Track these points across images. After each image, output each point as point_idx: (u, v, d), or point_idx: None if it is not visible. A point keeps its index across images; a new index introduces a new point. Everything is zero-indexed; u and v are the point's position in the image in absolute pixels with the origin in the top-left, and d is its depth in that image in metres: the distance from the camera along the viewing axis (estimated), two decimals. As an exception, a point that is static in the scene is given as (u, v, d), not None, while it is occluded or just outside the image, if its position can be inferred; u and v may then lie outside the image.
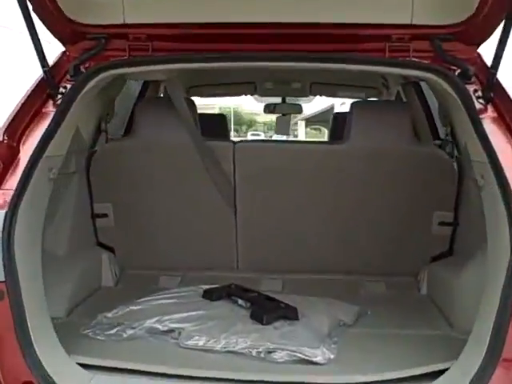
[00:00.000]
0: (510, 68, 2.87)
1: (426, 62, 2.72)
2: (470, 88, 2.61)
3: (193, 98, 4.39)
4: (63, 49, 2.91)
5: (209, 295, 3.11)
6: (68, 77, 2.78)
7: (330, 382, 2.35)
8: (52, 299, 2.54)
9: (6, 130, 2.48)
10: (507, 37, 2.42)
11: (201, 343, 2.61)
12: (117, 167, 3.44)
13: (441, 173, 3.30)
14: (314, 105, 17.11)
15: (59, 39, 2.85)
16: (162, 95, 4.90)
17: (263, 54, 2.76)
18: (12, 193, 2.29)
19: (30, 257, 2.35)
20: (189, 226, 3.56)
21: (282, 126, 5.90)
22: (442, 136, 3.75)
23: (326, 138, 11.87)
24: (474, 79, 2.68)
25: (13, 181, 2.35)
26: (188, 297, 3.11)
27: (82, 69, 2.79)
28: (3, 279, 2.21)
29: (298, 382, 2.31)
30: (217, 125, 4.78)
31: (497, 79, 2.58)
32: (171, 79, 3.32)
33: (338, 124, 4.77)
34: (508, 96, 2.56)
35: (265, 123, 37.60)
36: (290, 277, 3.51)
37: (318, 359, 2.47)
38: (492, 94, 2.59)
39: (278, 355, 2.51)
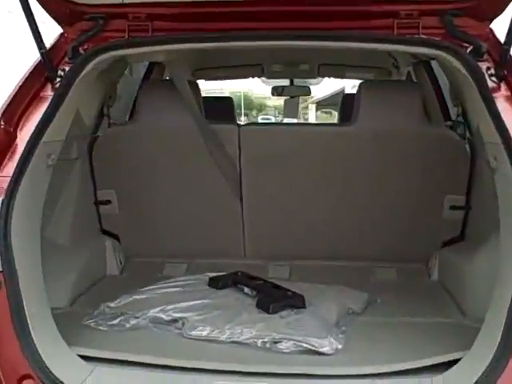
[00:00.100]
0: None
1: (436, 38, 2.61)
2: (482, 65, 2.49)
3: (201, 81, 4.30)
4: (59, 29, 2.82)
5: (215, 283, 3.06)
6: (67, 59, 2.70)
7: (336, 373, 2.28)
8: (54, 289, 2.50)
9: (2, 114, 2.44)
10: (522, 11, 2.32)
11: (205, 333, 2.56)
12: (120, 152, 3.38)
13: (452, 155, 3.20)
14: (325, 88, 16.93)
15: (55, 19, 2.76)
16: (167, 78, 4.81)
17: (264, 33, 2.66)
18: (9, 179, 2.23)
19: (28, 245, 2.30)
20: (194, 213, 3.49)
21: (291, 109, 5.84)
22: (453, 117, 3.65)
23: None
24: (486, 56, 2.56)
25: (10, 167, 2.30)
26: (193, 285, 3.07)
27: (81, 50, 2.70)
28: (0, 268, 2.16)
29: (304, 374, 2.24)
30: (223, 108, 4.69)
31: (510, 56, 2.48)
32: (173, 61, 3.24)
33: (347, 105, 4.65)
34: (522, 73, 2.46)
35: (275, 107, 37.38)
36: (298, 263, 3.46)
37: (325, 349, 2.41)
38: (505, 72, 2.49)
39: (284, 345, 2.46)
